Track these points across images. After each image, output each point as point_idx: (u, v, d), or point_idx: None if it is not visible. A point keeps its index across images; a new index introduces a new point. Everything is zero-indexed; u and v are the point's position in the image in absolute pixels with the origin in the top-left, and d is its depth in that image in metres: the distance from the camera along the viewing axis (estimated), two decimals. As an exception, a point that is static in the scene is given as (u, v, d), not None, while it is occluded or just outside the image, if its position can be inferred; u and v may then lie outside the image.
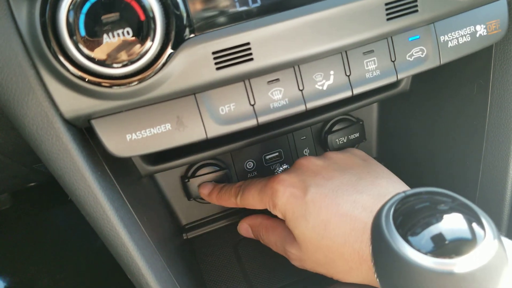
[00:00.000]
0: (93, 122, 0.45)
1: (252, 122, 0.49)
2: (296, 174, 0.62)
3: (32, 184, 1.10)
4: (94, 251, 1.52)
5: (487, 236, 0.34)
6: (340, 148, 0.83)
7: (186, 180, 0.76)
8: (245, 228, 0.76)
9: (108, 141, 0.46)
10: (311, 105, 0.51)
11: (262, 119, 0.49)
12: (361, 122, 0.82)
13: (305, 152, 0.84)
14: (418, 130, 0.77)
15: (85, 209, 0.46)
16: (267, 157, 0.82)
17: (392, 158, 0.84)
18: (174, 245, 0.73)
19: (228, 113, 0.48)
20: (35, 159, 0.69)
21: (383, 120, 0.85)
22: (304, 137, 0.83)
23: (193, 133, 0.47)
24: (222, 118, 0.48)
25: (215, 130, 0.48)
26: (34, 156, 0.47)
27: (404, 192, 0.40)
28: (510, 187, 0.61)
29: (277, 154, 0.83)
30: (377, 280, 0.41)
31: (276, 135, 0.74)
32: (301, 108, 0.51)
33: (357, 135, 0.83)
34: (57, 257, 1.53)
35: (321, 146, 0.84)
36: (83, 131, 0.49)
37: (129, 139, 0.46)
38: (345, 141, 0.82)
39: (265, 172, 0.83)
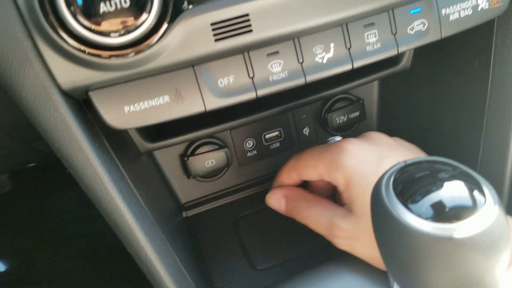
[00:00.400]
0: (91, 93, 0.45)
1: (251, 95, 0.49)
2: (370, 144, 0.58)
3: (31, 165, 1.10)
4: (95, 235, 1.53)
5: (488, 202, 0.34)
6: (340, 127, 0.83)
7: (186, 158, 0.76)
8: (278, 198, 0.68)
9: (106, 113, 0.45)
10: (310, 78, 0.50)
11: (261, 92, 0.49)
12: (361, 101, 0.82)
13: (305, 131, 0.84)
14: (419, 109, 0.77)
15: (84, 181, 0.46)
16: (267, 136, 0.82)
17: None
18: (173, 222, 0.73)
19: (227, 86, 0.48)
20: (34, 137, 0.69)
21: (383, 99, 0.84)
22: (304, 116, 0.83)
23: (192, 105, 0.47)
24: (221, 91, 0.48)
25: (214, 102, 0.48)
26: (32, 133, 0.46)
27: (404, 161, 0.40)
28: (510, 165, 0.61)
29: (277, 133, 0.82)
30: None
31: (276, 113, 0.74)
32: (300, 81, 0.50)
33: (357, 114, 0.82)
34: (58, 240, 1.54)
35: (321, 125, 0.84)
36: (81, 103, 0.49)
37: (127, 111, 0.46)
38: (345, 120, 0.82)
39: (265, 151, 0.83)
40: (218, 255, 0.75)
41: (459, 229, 0.32)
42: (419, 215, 0.34)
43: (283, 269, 0.72)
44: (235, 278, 0.71)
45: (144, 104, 0.46)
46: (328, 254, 0.73)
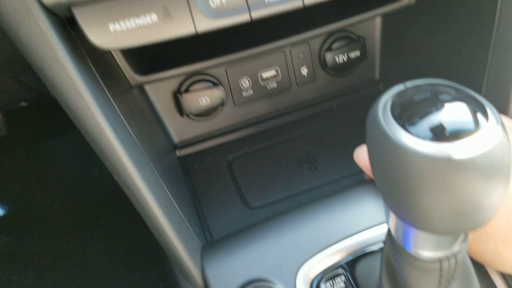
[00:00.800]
0: (74, 10, 0.42)
1: (244, 17, 0.46)
2: None
3: (24, 104, 1.08)
4: (92, 180, 1.53)
5: (491, 123, 0.32)
6: (340, 67, 0.80)
7: (179, 95, 0.74)
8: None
9: (90, 30, 0.43)
10: (308, 0, 0.47)
11: (256, 13, 0.46)
12: (362, 40, 0.79)
13: (303, 70, 0.81)
14: (424, 48, 0.74)
15: (68, 104, 0.44)
16: (263, 75, 0.79)
17: (395, 79, 0.81)
18: (167, 161, 0.72)
19: (219, 6, 0.45)
20: (21, 70, 0.67)
21: (386, 38, 0.81)
22: (302, 54, 0.80)
23: (181, 26, 0.44)
24: (212, 11, 0.45)
25: (205, 23, 0.45)
26: (20, 66, 0.44)
27: (403, 83, 0.38)
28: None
29: (273, 72, 0.80)
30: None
31: (272, 48, 0.71)
32: (298, 3, 0.47)
33: (357, 53, 0.79)
34: (55, 186, 1.54)
35: (320, 64, 0.81)
36: (65, 23, 0.46)
37: (112, 30, 0.43)
38: (345, 59, 0.79)
39: (261, 90, 0.80)
40: (211, 194, 0.74)
41: (458, 150, 0.30)
42: (417, 136, 0.32)
43: (276, 207, 0.71)
44: (228, 216, 0.71)
45: (130, 23, 0.43)
46: (321, 194, 0.72)
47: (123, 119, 0.52)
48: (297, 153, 0.80)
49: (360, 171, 0.70)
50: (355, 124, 0.83)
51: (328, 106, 0.85)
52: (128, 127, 0.52)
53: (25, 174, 1.57)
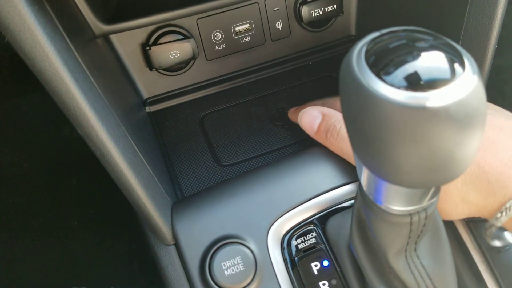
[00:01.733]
0: None
1: None
2: None
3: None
4: (62, 140, 1.48)
5: (466, 72, 0.31)
6: (316, 21, 0.78)
7: (147, 48, 0.70)
8: (313, 116, 0.60)
9: (44, -33, 0.39)
10: None
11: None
12: (339, -7, 0.76)
13: (278, 25, 0.78)
14: (400, 3, 0.72)
15: (23, 49, 0.41)
16: (236, 28, 0.76)
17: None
18: (135, 117, 0.69)
19: None
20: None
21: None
22: (277, 7, 0.77)
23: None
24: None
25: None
26: None
27: (379, 31, 0.36)
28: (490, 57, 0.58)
29: (247, 25, 0.77)
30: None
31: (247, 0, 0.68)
32: None
33: (334, 7, 0.77)
34: (25, 146, 1.49)
35: (295, 19, 0.79)
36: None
37: (69, -32, 0.39)
38: (320, 13, 0.76)
39: (234, 45, 0.78)
40: (182, 151, 0.72)
41: (432, 98, 0.29)
42: (392, 85, 0.31)
43: (248, 165, 0.70)
44: (199, 174, 0.69)
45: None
46: (294, 151, 0.71)
47: (85, 69, 0.48)
48: (271, 111, 0.78)
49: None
50: (330, 81, 0.81)
51: (303, 62, 0.83)
52: (91, 77, 0.49)
53: (-8, 134, 1.52)
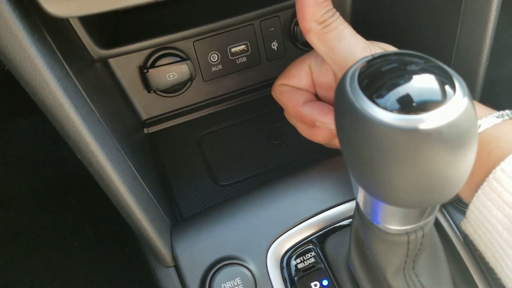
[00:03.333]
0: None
1: None
2: None
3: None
4: (61, 161, 1.48)
5: (457, 94, 0.31)
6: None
7: (145, 71, 0.71)
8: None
9: (44, -3, 0.40)
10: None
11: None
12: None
13: (273, 45, 0.80)
14: (394, 22, 0.73)
15: (23, 77, 0.41)
16: (233, 49, 0.77)
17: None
18: (134, 139, 0.70)
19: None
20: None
21: (356, 12, 0.80)
22: (273, 28, 0.78)
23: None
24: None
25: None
26: None
27: (371, 55, 0.37)
28: (483, 69, 0.59)
29: (243, 46, 0.78)
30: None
31: (242, 20, 0.69)
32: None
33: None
34: (23, 166, 1.49)
35: (291, 40, 0.80)
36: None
37: (68, -3, 0.40)
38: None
39: (231, 66, 0.79)
40: (180, 171, 0.73)
41: (425, 120, 0.30)
42: (384, 108, 0.31)
43: (246, 184, 0.71)
44: (198, 194, 0.70)
45: (87, -11, 0.40)
46: (291, 170, 0.72)
47: (84, 94, 0.49)
48: (268, 130, 0.79)
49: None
50: (326, 100, 0.82)
51: (299, 82, 0.84)
52: (90, 103, 0.49)
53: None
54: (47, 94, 0.42)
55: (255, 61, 0.80)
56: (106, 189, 0.50)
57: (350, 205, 0.58)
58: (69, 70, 0.47)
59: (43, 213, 1.38)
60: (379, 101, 0.32)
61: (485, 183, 0.45)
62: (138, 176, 0.55)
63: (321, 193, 0.59)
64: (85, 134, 0.45)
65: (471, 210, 0.47)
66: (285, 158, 0.74)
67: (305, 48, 0.82)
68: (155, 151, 0.75)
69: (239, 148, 0.76)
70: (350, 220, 0.58)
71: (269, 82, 0.83)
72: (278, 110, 0.81)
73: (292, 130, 0.77)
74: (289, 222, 0.56)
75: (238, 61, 0.79)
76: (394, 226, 0.41)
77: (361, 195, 0.42)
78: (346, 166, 0.40)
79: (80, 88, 0.49)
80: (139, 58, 0.72)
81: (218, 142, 0.77)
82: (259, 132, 0.78)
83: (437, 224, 0.58)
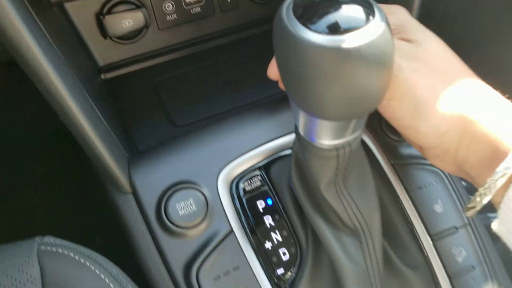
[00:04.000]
0: None
1: None
2: None
3: None
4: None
5: (376, 19, 0.38)
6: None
7: (101, 17, 0.74)
8: None
9: None
10: None
11: None
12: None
13: None
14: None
15: None
16: (187, -1, 0.81)
17: None
18: (93, 83, 0.73)
19: None
20: None
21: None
22: None
23: None
24: None
25: None
26: None
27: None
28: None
29: (198, -4, 0.81)
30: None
31: None
32: None
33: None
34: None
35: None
36: None
37: None
38: (265, -16, 0.82)
39: (185, 15, 0.82)
40: (138, 114, 0.77)
41: (347, 40, 0.36)
42: (316, 31, 0.37)
43: (201, 125, 0.75)
44: (154, 134, 0.74)
45: None
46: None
47: (43, 30, 0.52)
48: (222, 77, 0.83)
49: (278, 92, 0.76)
50: (276, 50, 0.87)
51: (251, 33, 0.89)
52: (49, 38, 0.53)
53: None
54: (9, 27, 0.45)
55: (209, 11, 0.84)
56: (65, 117, 0.53)
57: (292, 136, 0.64)
58: (31, 11, 0.50)
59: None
60: (312, 26, 0.38)
61: None
62: (96, 109, 0.59)
63: (267, 126, 0.64)
64: (44, 64, 0.49)
65: (503, 210, 0.44)
66: (237, 102, 0.79)
67: (259, 0, 0.86)
68: (112, 96, 0.79)
69: (195, 94, 0.80)
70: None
71: (223, 33, 0.88)
72: (231, 59, 0.86)
73: (244, 77, 0.83)
74: (238, 151, 0.62)
75: (193, 11, 0.82)
76: (326, 141, 0.48)
77: (300, 118, 0.48)
78: (289, 102, 0.46)
79: (41, 25, 0.52)
80: (95, 5, 0.75)
81: (174, 87, 0.81)
82: (213, 78, 0.83)
83: (366, 147, 0.65)
